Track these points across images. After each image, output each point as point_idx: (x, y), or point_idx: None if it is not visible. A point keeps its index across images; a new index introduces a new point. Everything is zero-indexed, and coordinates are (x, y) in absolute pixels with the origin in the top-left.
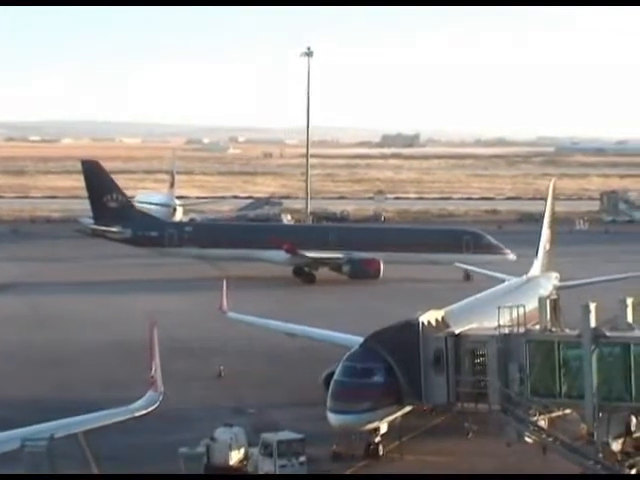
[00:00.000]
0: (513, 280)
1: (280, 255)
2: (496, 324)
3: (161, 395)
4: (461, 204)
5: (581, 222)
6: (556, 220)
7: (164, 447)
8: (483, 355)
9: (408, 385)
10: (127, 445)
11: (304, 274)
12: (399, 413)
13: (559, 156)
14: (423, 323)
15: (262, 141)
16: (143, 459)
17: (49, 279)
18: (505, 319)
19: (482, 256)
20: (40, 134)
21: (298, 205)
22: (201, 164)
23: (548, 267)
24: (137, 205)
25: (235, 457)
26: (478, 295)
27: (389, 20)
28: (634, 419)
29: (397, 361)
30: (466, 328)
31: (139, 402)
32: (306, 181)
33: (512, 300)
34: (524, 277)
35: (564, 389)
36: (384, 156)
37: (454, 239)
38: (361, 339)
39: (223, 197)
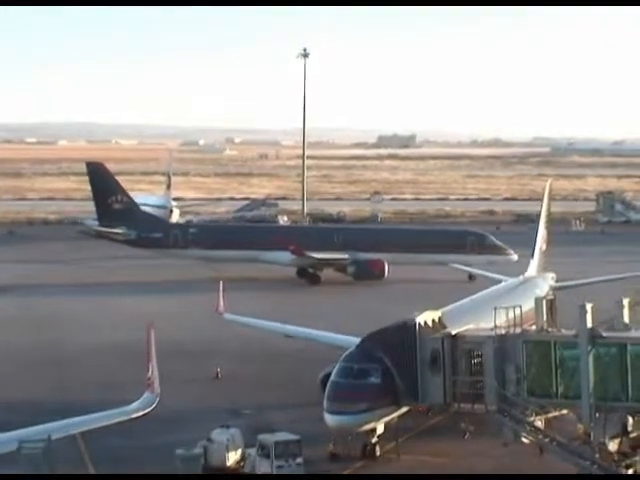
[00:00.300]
0: (510, 281)
1: (285, 256)
2: (492, 325)
3: (158, 396)
4: (458, 205)
5: (577, 223)
6: (552, 221)
7: (161, 448)
8: (480, 356)
9: (405, 386)
10: (124, 446)
11: (308, 275)
12: (396, 414)
13: (555, 157)
14: (420, 324)
15: (258, 142)
16: (140, 460)
17: (48, 281)
18: (502, 320)
19: (486, 257)
20: (37, 136)
21: (294, 206)
22: (197, 165)
23: (544, 267)
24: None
25: (232, 458)
26: (474, 296)
27: (385, 21)
28: (631, 419)
29: (394, 362)
30: (463, 329)
31: (136, 403)
32: (302, 182)
33: (509, 301)
34: (520, 277)
35: (561, 389)
36: (380, 157)
37: (458, 240)
38: (358, 340)
39: (219, 198)
